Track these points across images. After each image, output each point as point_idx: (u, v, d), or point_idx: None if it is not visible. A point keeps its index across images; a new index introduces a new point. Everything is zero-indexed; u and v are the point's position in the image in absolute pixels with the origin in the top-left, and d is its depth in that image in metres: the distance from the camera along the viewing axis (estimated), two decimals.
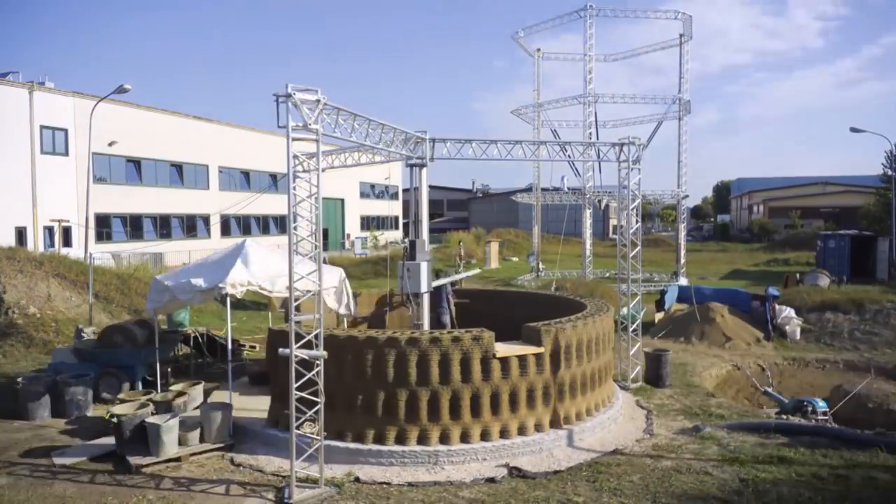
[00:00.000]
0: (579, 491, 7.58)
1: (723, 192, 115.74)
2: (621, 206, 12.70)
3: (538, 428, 8.87)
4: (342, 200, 57.59)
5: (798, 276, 25.51)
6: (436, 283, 12.10)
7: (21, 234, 31.16)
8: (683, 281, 27.92)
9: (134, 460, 8.31)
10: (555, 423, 9.06)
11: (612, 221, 67.45)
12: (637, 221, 12.58)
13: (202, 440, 8.81)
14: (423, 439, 8.43)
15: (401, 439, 8.44)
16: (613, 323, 10.83)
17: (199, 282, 10.12)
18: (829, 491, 7.50)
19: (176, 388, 10.36)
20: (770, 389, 12.26)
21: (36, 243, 30.43)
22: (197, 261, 12.43)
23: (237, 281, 9.97)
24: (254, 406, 9.96)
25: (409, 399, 8.45)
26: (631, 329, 12.47)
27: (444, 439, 8.46)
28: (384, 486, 7.74)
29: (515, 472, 8.08)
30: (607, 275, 30.85)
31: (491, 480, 7.85)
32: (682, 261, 30.79)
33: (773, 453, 8.70)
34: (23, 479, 8.05)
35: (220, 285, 9.85)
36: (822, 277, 24.71)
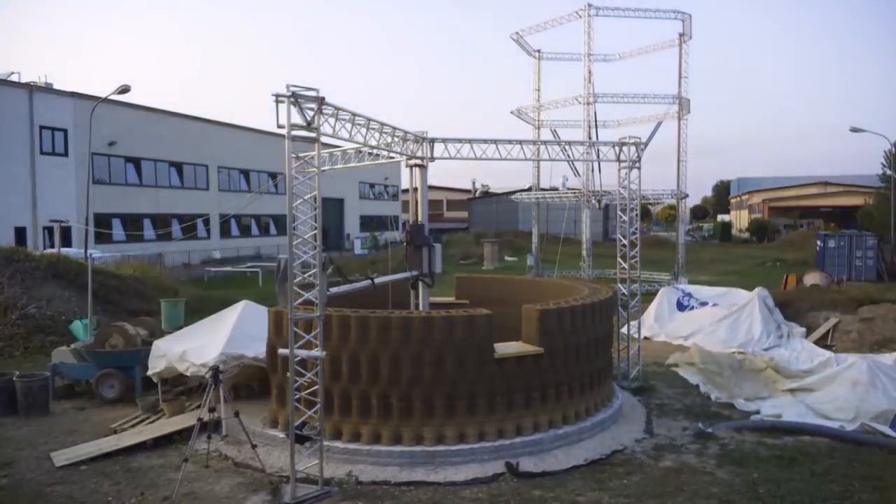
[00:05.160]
0: (580, 491, 7.57)
1: (723, 192, 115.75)
2: (621, 205, 12.70)
3: (537, 427, 8.86)
4: (342, 200, 57.62)
5: (798, 276, 25.48)
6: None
7: (21, 234, 31.16)
8: (683, 281, 27.89)
9: None
10: (554, 423, 9.04)
11: (612, 221, 67.41)
12: (637, 221, 12.58)
13: None
14: (419, 438, 8.42)
15: (398, 438, 8.43)
16: (614, 321, 10.81)
17: (192, 356, 9.91)
18: (829, 490, 7.49)
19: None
20: None
21: (36, 243, 30.42)
22: (193, 325, 11.71)
23: (228, 356, 9.74)
24: (255, 405, 9.95)
25: (405, 389, 8.44)
26: (631, 328, 12.46)
27: (441, 437, 8.43)
28: (384, 485, 7.74)
29: (518, 471, 8.06)
30: (607, 275, 30.82)
31: (491, 480, 7.84)
32: (682, 261, 30.78)
33: (774, 453, 8.69)
34: (22, 479, 8.05)
35: (211, 364, 9.27)
36: (822, 277, 24.70)
